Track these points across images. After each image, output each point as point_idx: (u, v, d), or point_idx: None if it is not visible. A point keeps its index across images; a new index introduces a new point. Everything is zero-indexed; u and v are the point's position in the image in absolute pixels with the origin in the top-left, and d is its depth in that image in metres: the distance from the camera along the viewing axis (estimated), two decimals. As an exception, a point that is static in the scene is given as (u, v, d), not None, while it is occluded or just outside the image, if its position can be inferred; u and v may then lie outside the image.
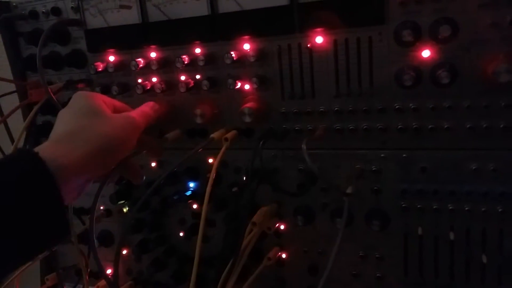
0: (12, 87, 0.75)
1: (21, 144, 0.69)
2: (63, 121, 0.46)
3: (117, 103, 0.53)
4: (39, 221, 0.36)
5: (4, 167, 0.37)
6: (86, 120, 0.45)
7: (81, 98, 0.48)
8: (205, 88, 0.61)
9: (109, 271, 0.72)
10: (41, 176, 0.37)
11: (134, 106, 0.67)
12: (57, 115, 0.48)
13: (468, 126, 0.52)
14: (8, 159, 0.39)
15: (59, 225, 0.38)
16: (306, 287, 0.64)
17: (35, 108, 0.68)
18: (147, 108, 0.56)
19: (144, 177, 0.58)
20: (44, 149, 0.39)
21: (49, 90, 0.63)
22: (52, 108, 0.68)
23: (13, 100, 0.73)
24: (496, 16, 0.48)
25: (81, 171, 0.41)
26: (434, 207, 0.55)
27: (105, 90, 0.66)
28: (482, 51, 0.49)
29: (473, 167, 0.53)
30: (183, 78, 0.64)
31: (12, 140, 0.74)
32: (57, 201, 0.37)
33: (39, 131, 0.74)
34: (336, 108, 0.57)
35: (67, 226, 0.39)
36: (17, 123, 0.73)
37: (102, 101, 0.49)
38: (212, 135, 0.59)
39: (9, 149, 0.71)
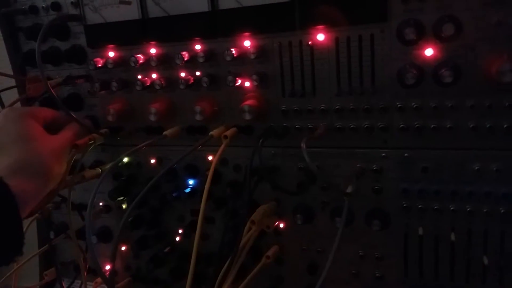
0: (12, 82, 0.74)
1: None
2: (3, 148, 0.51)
3: (47, 113, 0.59)
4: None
5: None
6: (25, 148, 0.51)
7: (13, 122, 0.53)
8: (205, 85, 0.60)
9: (107, 267, 0.72)
10: (6, 199, 0.44)
11: (133, 101, 0.67)
12: None
13: (471, 125, 0.51)
14: None
15: (17, 242, 0.45)
16: (305, 286, 0.64)
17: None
18: (69, 132, 0.60)
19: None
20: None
21: (49, 85, 0.62)
22: (50, 103, 0.67)
23: (13, 95, 0.73)
24: (501, 14, 0.47)
25: (37, 196, 0.50)
26: (435, 207, 0.54)
27: (105, 86, 0.66)
28: (486, 50, 0.48)
29: (476, 167, 0.52)
30: (183, 74, 0.63)
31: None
32: (17, 221, 0.44)
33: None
34: (337, 107, 0.56)
35: (23, 242, 0.46)
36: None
37: (32, 118, 0.55)
38: (211, 132, 0.59)
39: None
